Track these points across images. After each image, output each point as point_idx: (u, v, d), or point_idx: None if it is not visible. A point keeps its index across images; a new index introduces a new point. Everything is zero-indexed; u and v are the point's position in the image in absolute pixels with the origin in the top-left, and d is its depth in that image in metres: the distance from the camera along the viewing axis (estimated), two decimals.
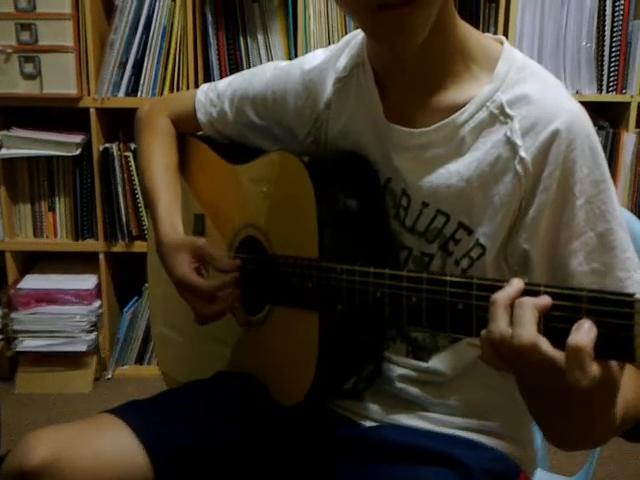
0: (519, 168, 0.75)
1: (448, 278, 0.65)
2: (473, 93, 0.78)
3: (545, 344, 0.56)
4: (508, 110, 0.76)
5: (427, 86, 0.80)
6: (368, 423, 0.88)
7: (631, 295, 0.53)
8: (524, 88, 0.76)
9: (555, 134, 0.73)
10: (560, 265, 0.75)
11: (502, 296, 0.59)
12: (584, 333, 0.54)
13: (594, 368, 0.54)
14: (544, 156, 0.74)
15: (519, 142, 0.74)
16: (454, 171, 0.78)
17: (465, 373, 0.83)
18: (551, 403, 0.60)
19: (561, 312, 0.56)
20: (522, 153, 0.74)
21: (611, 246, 0.75)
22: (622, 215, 0.76)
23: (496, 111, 0.76)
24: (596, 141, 0.75)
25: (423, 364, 0.84)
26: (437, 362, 0.83)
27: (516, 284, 0.60)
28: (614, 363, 0.56)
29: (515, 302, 0.58)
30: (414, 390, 0.85)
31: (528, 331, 0.56)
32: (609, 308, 0.54)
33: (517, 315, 0.57)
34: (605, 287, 0.74)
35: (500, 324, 0.58)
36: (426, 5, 0.71)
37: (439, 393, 0.85)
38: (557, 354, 0.55)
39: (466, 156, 0.78)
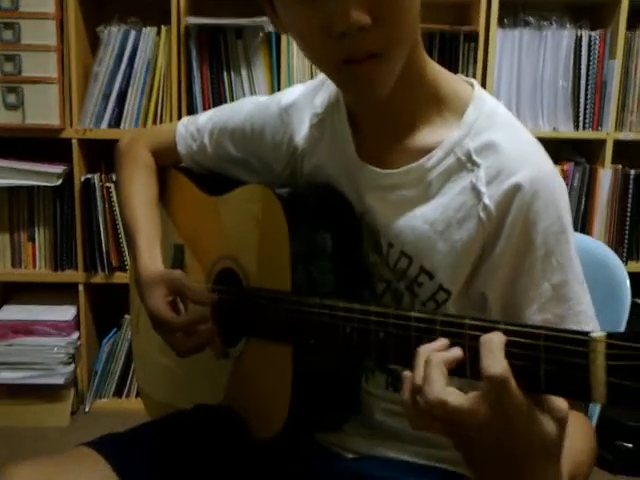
0: (482, 215, 0.75)
1: (413, 314, 0.65)
2: (442, 137, 0.78)
3: (452, 398, 0.54)
4: (475, 157, 0.76)
5: (398, 128, 0.81)
6: (348, 455, 0.88)
7: (586, 333, 0.53)
8: (491, 135, 0.77)
9: (518, 186, 0.73)
10: (513, 312, 0.76)
11: (424, 349, 0.58)
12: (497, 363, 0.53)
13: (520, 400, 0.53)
14: (507, 205, 0.74)
15: (483, 189, 0.75)
16: (419, 214, 0.79)
17: None
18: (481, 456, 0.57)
19: (519, 349, 0.56)
20: (486, 200, 0.75)
21: (565, 298, 0.75)
22: (579, 268, 0.77)
23: (463, 158, 0.77)
24: (560, 193, 0.76)
25: None
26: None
27: (442, 341, 0.59)
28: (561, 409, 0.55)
29: (426, 358, 0.57)
30: (394, 423, 0.85)
31: (435, 387, 0.54)
32: (566, 346, 0.53)
33: (426, 373, 0.56)
34: None
35: (417, 375, 0.57)
36: (390, 58, 0.71)
37: None
38: (463, 405, 0.53)
39: (433, 201, 0.78)
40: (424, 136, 0.80)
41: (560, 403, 0.55)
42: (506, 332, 0.56)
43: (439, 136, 0.79)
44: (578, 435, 0.67)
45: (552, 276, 0.75)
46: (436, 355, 0.57)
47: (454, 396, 0.54)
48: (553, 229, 0.74)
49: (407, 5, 0.70)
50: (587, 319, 0.77)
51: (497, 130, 0.77)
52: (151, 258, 0.95)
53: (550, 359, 0.54)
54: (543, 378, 0.55)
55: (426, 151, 0.79)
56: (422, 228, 0.78)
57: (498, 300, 0.77)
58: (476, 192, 0.76)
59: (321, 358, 0.80)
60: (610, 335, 0.51)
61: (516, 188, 0.74)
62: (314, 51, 0.74)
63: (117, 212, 2.09)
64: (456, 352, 0.58)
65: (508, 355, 0.55)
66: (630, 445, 1.89)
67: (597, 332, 0.52)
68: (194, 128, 1.03)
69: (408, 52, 0.74)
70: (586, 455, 0.71)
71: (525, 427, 0.54)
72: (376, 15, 0.68)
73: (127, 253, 2.12)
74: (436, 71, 0.81)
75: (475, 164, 0.76)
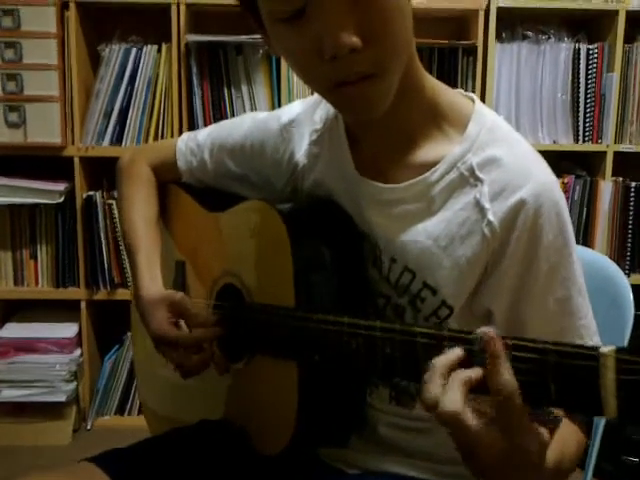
0: (486, 231, 0.75)
1: (418, 329, 0.65)
2: (445, 152, 0.78)
3: (468, 417, 0.55)
4: (478, 173, 0.76)
5: (398, 143, 0.81)
6: (352, 471, 0.87)
7: (595, 348, 0.53)
8: (494, 151, 0.76)
9: (522, 202, 0.73)
10: (517, 326, 0.76)
11: (440, 362, 0.59)
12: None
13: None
14: (512, 221, 0.74)
15: (487, 205, 0.75)
16: (422, 229, 0.78)
17: None
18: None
19: (528, 365, 0.56)
20: (490, 216, 0.75)
21: (568, 312, 0.76)
22: (582, 281, 0.77)
23: (466, 173, 0.77)
24: (563, 207, 0.76)
25: (407, 412, 0.84)
26: (421, 409, 0.83)
27: (456, 352, 0.59)
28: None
29: (451, 373, 0.58)
30: (398, 437, 0.85)
31: (452, 401, 0.55)
32: (574, 361, 0.54)
33: (446, 385, 0.57)
34: None
35: (433, 388, 0.57)
36: (384, 77, 0.70)
37: (424, 440, 0.84)
38: (477, 428, 0.55)
39: (436, 216, 0.78)
40: (425, 151, 0.80)
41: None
42: (514, 347, 0.57)
43: (441, 151, 0.78)
44: (567, 428, 0.67)
45: (556, 290, 0.75)
46: (461, 372, 0.57)
47: (468, 417, 0.55)
48: (557, 244, 0.74)
49: (398, 23, 0.68)
50: (590, 333, 0.77)
51: (499, 145, 0.77)
52: (152, 278, 0.95)
53: (559, 374, 0.54)
54: (553, 393, 0.55)
55: (428, 166, 0.78)
56: (425, 243, 0.78)
57: (503, 315, 0.77)
58: (480, 208, 0.75)
59: (327, 374, 0.80)
60: (619, 350, 0.51)
61: (520, 204, 0.74)
62: (307, 74, 0.73)
63: (119, 229, 2.10)
64: (476, 373, 0.57)
65: (517, 371, 0.55)
66: (636, 459, 1.88)
67: (606, 347, 0.52)
68: (194, 144, 1.03)
69: (404, 68, 0.73)
70: (574, 447, 0.72)
71: (529, 442, 0.55)
72: (367, 36, 0.66)
73: (128, 270, 2.12)
74: (434, 85, 0.80)
75: (478, 179, 0.76)
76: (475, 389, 0.57)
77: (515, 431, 0.55)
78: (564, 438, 0.64)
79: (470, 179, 0.77)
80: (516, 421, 0.54)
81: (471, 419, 0.55)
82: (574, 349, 0.54)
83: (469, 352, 0.60)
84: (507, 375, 0.55)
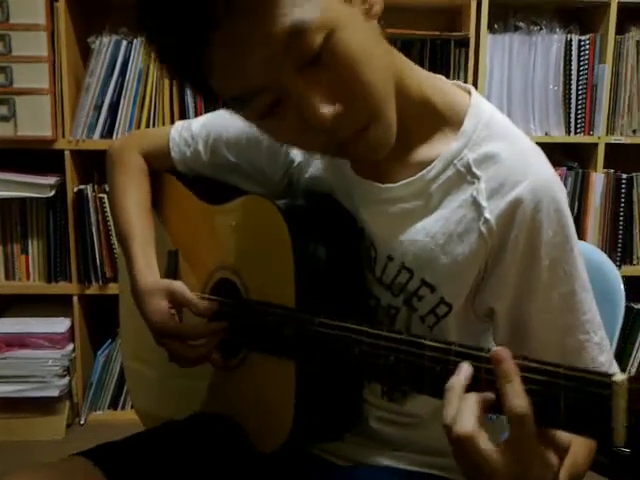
0: (484, 229, 0.74)
1: (427, 342, 0.65)
2: (441, 149, 0.77)
3: (482, 440, 0.57)
4: (475, 170, 0.75)
5: (394, 145, 0.78)
6: (342, 463, 0.87)
7: (609, 376, 0.53)
8: (491, 146, 0.75)
9: (520, 198, 0.72)
10: (522, 323, 0.76)
11: (458, 383, 0.60)
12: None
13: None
14: (510, 218, 0.73)
15: (484, 203, 0.74)
16: (420, 227, 0.78)
17: (440, 414, 0.82)
18: None
19: (538, 387, 0.56)
20: (487, 214, 0.74)
21: (572, 308, 0.75)
22: (585, 276, 0.76)
23: (463, 170, 0.76)
24: (562, 202, 0.75)
25: (398, 407, 0.84)
26: (412, 405, 0.83)
27: (465, 369, 0.61)
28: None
29: (464, 395, 0.59)
30: (389, 431, 0.85)
31: (467, 422, 0.57)
32: (587, 388, 0.54)
33: (460, 407, 0.58)
34: (565, 346, 0.75)
35: (451, 410, 0.59)
36: (380, 121, 0.68)
37: (414, 434, 0.85)
38: (489, 451, 0.56)
39: (434, 214, 0.77)
40: (421, 149, 0.79)
41: (564, 439, 0.57)
42: (526, 369, 0.57)
43: (437, 149, 0.77)
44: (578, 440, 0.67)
45: (559, 286, 0.74)
46: (473, 394, 0.59)
47: (483, 440, 0.56)
48: (557, 239, 0.74)
49: (370, 68, 0.65)
50: (594, 327, 0.76)
51: (496, 140, 0.76)
52: (148, 266, 0.93)
53: (570, 399, 0.55)
54: (562, 417, 0.55)
55: (424, 164, 0.78)
56: (423, 241, 0.77)
57: (506, 313, 0.76)
58: (477, 206, 0.75)
59: (325, 375, 0.79)
60: (632, 378, 0.52)
61: (517, 202, 0.73)
62: (306, 148, 0.74)
63: (110, 223, 2.08)
64: (489, 396, 0.59)
65: (528, 392, 0.56)
66: (628, 450, 1.88)
67: (619, 375, 0.53)
68: (188, 134, 1.01)
69: (394, 92, 0.71)
70: (584, 457, 0.72)
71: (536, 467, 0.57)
72: (345, 97, 0.64)
73: (119, 257, 2.11)
74: (428, 84, 0.78)
75: (475, 176, 0.75)
76: (491, 409, 0.59)
77: (527, 456, 0.56)
78: (575, 447, 0.64)
79: (467, 176, 0.76)
80: (527, 444, 0.56)
81: (484, 441, 0.56)
82: (587, 375, 0.55)
83: (477, 369, 0.61)
84: (519, 397, 0.56)
